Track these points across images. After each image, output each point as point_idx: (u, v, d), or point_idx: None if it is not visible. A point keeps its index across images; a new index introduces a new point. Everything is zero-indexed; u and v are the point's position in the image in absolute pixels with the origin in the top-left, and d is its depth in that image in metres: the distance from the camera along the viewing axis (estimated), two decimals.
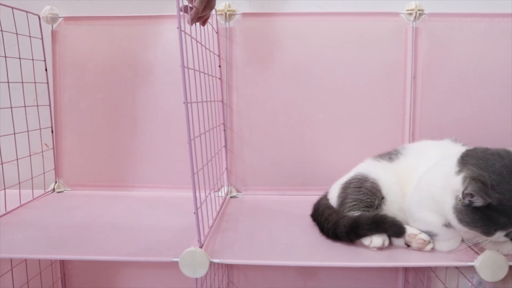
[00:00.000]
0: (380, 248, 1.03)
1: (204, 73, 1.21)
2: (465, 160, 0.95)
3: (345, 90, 1.48)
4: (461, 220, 0.92)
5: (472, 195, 0.88)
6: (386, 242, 1.03)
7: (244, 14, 1.47)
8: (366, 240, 1.04)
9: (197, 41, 1.11)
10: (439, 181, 0.99)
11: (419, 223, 1.04)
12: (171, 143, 1.50)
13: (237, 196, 1.50)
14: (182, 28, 0.93)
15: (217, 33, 1.46)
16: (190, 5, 1.10)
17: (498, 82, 1.46)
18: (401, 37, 1.45)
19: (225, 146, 1.50)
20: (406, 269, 1.51)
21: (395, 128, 1.48)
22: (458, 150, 1.03)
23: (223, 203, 1.39)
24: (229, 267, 1.52)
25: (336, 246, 1.07)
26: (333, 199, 1.21)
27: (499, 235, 0.91)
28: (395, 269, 1.52)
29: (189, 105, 0.99)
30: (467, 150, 0.99)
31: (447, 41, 1.45)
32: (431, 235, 1.02)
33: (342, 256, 1.02)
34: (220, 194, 1.47)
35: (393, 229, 1.02)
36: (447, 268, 1.21)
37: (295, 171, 1.50)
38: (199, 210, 1.00)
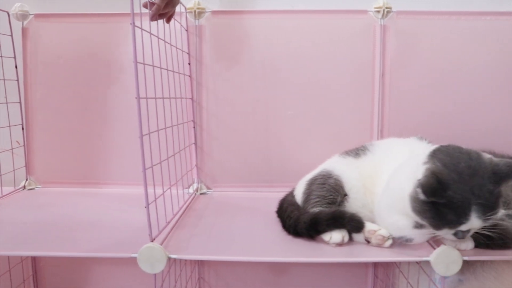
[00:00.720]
0: (340, 244, 1.03)
1: (167, 70, 1.22)
2: (435, 154, 0.96)
3: (314, 87, 1.49)
4: (413, 208, 0.94)
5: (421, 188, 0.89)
6: (346, 238, 1.04)
7: (214, 12, 1.47)
8: (326, 236, 1.04)
9: (159, 38, 1.12)
10: (407, 174, 0.99)
11: (391, 229, 1.04)
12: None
13: (207, 192, 1.51)
14: (138, 24, 0.93)
15: (186, 30, 1.47)
16: (152, 1, 1.10)
17: (466, 80, 1.47)
18: (369, 35, 1.46)
19: (195, 143, 1.50)
20: (375, 265, 1.53)
21: (363, 125, 1.49)
22: (424, 148, 1.05)
23: (190, 200, 1.40)
24: (200, 263, 1.53)
25: (297, 242, 1.08)
26: (299, 196, 1.22)
27: (447, 232, 0.92)
28: (365, 265, 1.54)
29: (151, 101, 0.99)
30: (441, 146, 0.99)
31: (415, 38, 1.47)
32: (406, 240, 1.02)
33: (302, 252, 1.03)
34: (190, 190, 1.48)
35: (352, 224, 1.03)
36: (409, 263, 1.22)
37: (265, 168, 1.51)
38: (153, 206, 1.01)
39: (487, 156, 0.93)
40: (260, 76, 1.49)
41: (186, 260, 1.36)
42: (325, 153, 1.27)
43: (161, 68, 1.15)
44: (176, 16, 1.31)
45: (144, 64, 0.98)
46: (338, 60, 1.47)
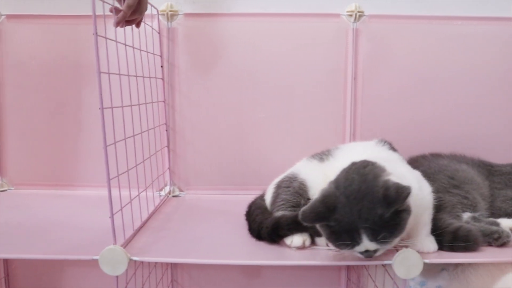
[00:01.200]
0: (301, 248, 1.03)
1: (136, 76, 1.21)
2: (341, 173, 0.97)
3: (287, 90, 1.49)
4: (319, 226, 0.94)
5: None
6: (307, 242, 1.04)
7: (187, 15, 1.47)
8: (287, 240, 1.04)
9: (126, 45, 1.11)
10: None
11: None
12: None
13: (180, 195, 1.51)
14: (104, 30, 0.93)
15: (159, 33, 1.47)
16: (118, 8, 1.09)
17: (437, 83, 1.48)
18: (342, 38, 1.47)
19: (168, 146, 1.50)
20: (348, 268, 1.53)
21: (336, 128, 1.50)
22: (380, 153, 1.05)
23: (161, 202, 1.39)
24: (173, 265, 1.53)
25: (263, 244, 1.08)
26: (268, 199, 1.22)
27: (350, 252, 0.92)
28: (338, 268, 1.54)
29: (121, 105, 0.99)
30: (352, 163, 0.99)
31: (387, 42, 1.47)
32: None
33: (267, 255, 1.03)
34: (162, 193, 1.48)
35: (313, 228, 1.03)
36: (376, 266, 1.22)
37: (238, 171, 1.51)
38: (120, 209, 1.02)
39: (384, 179, 0.91)
40: (233, 79, 1.49)
41: (156, 263, 1.36)
42: (298, 156, 1.28)
43: (128, 75, 1.14)
44: (148, 19, 1.31)
45: (108, 73, 0.98)
46: (311, 63, 1.48)
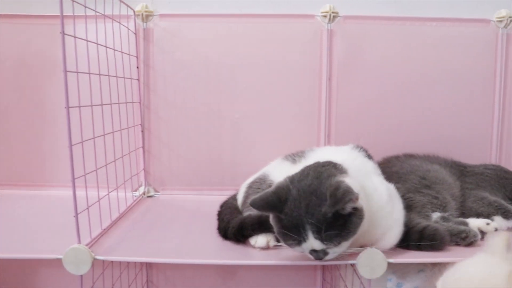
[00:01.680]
0: (265, 248, 1.03)
1: (108, 76, 1.22)
2: (303, 168, 0.98)
3: (263, 91, 1.50)
4: (271, 220, 0.95)
5: None
6: (272, 243, 1.03)
7: (162, 15, 1.48)
8: (252, 240, 1.04)
9: (98, 44, 1.12)
10: None
11: None
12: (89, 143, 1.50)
13: (155, 196, 1.51)
14: (76, 28, 0.94)
15: (135, 34, 1.47)
16: None
17: (413, 84, 1.49)
18: (316, 39, 1.47)
19: (143, 147, 1.50)
20: (323, 269, 1.53)
21: (311, 129, 1.50)
22: (355, 159, 1.06)
23: (134, 203, 1.39)
24: (148, 266, 1.53)
25: (232, 245, 1.07)
26: (239, 199, 1.22)
27: (297, 250, 0.92)
28: (313, 269, 1.54)
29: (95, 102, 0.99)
30: (316, 162, 1.00)
31: (362, 43, 1.48)
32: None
33: (237, 255, 1.04)
34: (137, 193, 1.48)
35: None
36: (346, 266, 1.23)
37: (213, 171, 1.52)
38: (87, 209, 1.02)
39: (338, 179, 0.91)
40: (209, 79, 1.49)
41: (128, 263, 1.36)
42: (273, 156, 1.28)
43: (100, 75, 1.14)
44: (123, 20, 1.32)
45: (77, 72, 0.98)
46: (286, 64, 1.48)
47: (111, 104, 1.22)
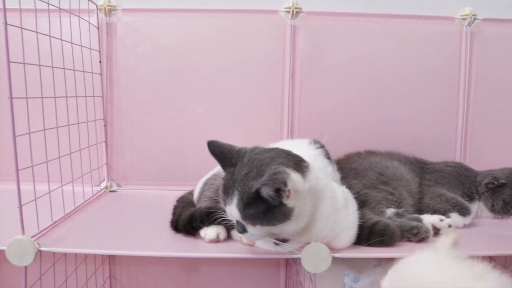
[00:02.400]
0: (215, 241, 1.03)
1: (63, 69, 1.21)
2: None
3: (226, 86, 1.49)
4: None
5: None
6: (222, 235, 1.04)
7: (125, 10, 1.47)
8: (202, 232, 1.05)
9: (50, 36, 1.11)
10: None
11: None
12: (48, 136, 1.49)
13: (117, 190, 1.51)
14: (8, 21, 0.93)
15: (97, 28, 1.46)
16: None
17: (376, 80, 1.49)
18: (279, 35, 1.47)
19: (105, 141, 1.50)
20: (287, 265, 1.53)
21: (274, 124, 1.50)
22: (305, 152, 1.05)
23: (93, 196, 1.39)
24: (111, 261, 1.53)
25: (180, 237, 1.08)
26: (195, 195, 1.22)
27: (227, 214, 0.95)
28: (277, 265, 1.54)
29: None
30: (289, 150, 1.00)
31: (325, 39, 1.48)
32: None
33: (184, 247, 1.04)
34: (100, 188, 1.48)
35: (225, 221, 1.03)
36: None
37: (176, 166, 1.51)
38: (34, 200, 1.03)
39: (286, 170, 0.88)
40: (172, 74, 1.49)
41: (86, 257, 1.35)
42: None
43: (52, 67, 1.14)
44: (86, 14, 1.31)
45: (24, 63, 0.99)
46: (249, 59, 1.48)
47: (66, 97, 1.21)
